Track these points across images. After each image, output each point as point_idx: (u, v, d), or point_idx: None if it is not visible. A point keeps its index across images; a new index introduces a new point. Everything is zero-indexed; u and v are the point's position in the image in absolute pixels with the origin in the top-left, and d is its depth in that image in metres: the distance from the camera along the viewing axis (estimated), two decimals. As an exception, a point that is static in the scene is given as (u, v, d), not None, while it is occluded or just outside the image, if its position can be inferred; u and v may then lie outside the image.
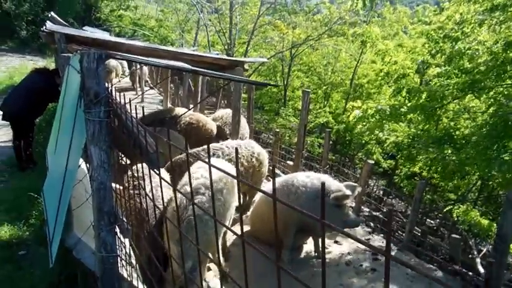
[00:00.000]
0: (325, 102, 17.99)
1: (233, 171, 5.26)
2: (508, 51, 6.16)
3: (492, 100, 6.52)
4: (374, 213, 7.77)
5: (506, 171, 4.70)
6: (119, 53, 2.92)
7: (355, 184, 5.60)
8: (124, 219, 2.86)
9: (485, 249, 9.41)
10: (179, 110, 10.12)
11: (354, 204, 7.40)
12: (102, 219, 2.68)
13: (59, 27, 6.32)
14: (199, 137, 8.10)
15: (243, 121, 9.49)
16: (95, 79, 2.29)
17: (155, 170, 1.74)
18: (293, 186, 5.27)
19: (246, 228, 6.36)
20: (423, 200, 12.40)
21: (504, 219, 4.26)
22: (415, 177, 13.20)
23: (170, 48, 9.89)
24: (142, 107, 2.19)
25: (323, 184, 0.97)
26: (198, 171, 4.48)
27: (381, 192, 14.21)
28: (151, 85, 21.65)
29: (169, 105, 15.78)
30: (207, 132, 8.43)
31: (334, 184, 5.24)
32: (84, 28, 12.92)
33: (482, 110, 7.58)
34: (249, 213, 6.70)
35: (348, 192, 5.06)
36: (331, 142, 15.96)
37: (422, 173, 10.85)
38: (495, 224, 7.04)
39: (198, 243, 1.36)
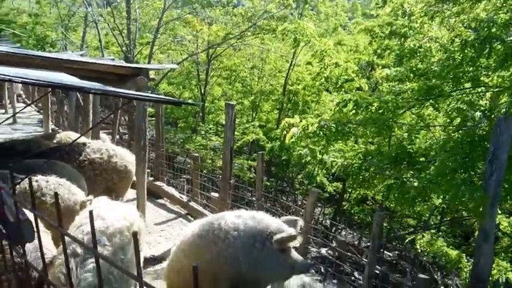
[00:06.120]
0: (254, 115, 18.10)
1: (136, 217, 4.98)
2: (466, 51, 6.54)
3: (454, 112, 6.86)
4: (323, 253, 7.79)
5: (479, 200, 4.87)
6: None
7: (296, 218, 5.57)
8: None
9: (453, 284, 9.87)
10: (66, 135, 9.52)
11: (298, 245, 7.34)
12: None
13: None
14: (106, 180, 7.72)
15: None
16: None
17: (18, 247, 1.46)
18: (221, 231, 5.05)
19: (162, 285, 6.04)
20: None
21: (479, 254, 4.39)
22: (367, 202, 13.65)
23: (48, 53, 9.32)
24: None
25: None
26: (88, 222, 4.14)
27: (328, 222, 14.47)
28: (26, 100, 20.52)
29: (51, 126, 14.95)
30: (116, 172, 7.94)
31: (273, 223, 5.12)
32: None
33: (442, 123, 7.95)
34: (165, 264, 6.39)
35: (293, 231, 4.97)
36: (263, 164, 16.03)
37: (376, 196, 11.19)
38: (464, 255, 7.36)
39: None
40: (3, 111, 17.72)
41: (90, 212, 1.31)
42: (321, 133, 6.85)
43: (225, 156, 8.18)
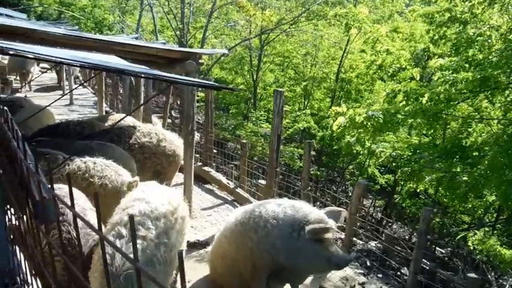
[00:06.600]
0: (306, 102, 17.98)
1: (181, 202, 5.05)
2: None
3: (509, 105, 6.56)
4: (370, 246, 7.69)
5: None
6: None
7: (339, 209, 5.49)
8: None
9: (507, 285, 9.53)
10: (120, 117, 9.76)
11: (343, 236, 7.29)
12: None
13: None
14: (155, 163, 7.85)
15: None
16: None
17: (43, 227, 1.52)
18: (261, 219, 5.09)
19: (205, 268, 6.15)
20: (431, 226, 12.51)
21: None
22: (420, 196, 13.33)
23: (100, 36, 9.56)
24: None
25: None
26: (135, 206, 4.24)
27: (379, 214, 14.24)
28: (83, 82, 21.15)
29: (105, 108, 15.38)
30: (165, 156, 8.04)
31: (312, 212, 5.08)
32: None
33: (498, 115, 7.63)
34: (209, 249, 6.51)
35: (330, 223, 4.93)
36: (313, 153, 15.93)
37: (428, 190, 10.89)
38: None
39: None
40: (61, 92, 18.39)
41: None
42: (369, 124, 6.72)
43: (272, 143, 8.19)
